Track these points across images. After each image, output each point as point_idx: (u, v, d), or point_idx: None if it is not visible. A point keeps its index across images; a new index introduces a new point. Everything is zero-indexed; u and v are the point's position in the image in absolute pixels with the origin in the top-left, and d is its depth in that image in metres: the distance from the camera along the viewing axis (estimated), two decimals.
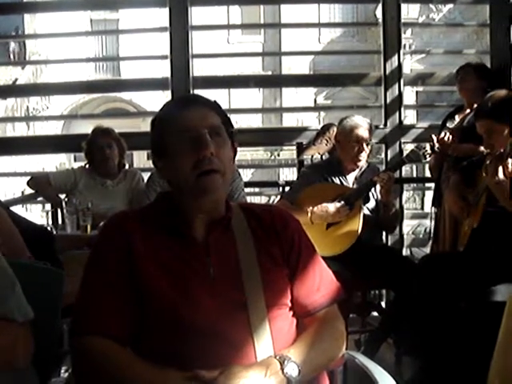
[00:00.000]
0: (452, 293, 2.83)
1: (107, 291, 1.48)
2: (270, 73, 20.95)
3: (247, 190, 4.99)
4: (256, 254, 1.56)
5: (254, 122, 20.80)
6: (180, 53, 4.53)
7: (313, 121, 19.16)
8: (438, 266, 2.99)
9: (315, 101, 21.72)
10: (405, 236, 4.86)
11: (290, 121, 19.50)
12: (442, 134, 3.59)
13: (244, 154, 17.26)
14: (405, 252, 5.08)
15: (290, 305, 1.58)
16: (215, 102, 1.60)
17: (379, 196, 3.43)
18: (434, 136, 3.44)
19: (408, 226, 7.61)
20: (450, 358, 2.81)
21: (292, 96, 20.33)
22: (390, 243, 4.39)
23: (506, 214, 2.71)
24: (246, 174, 18.30)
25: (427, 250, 4.39)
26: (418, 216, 6.47)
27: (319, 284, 1.62)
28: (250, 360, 1.45)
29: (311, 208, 3.33)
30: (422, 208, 13.23)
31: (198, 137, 1.49)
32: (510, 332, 2.34)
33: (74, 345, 1.48)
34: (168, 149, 1.52)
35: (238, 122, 20.48)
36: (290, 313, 1.58)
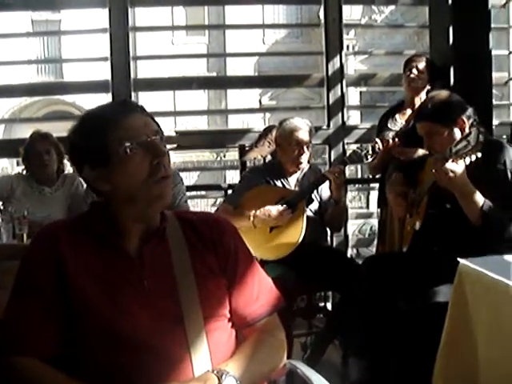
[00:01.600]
0: (395, 293, 2.83)
1: (36, 308, 1.41)
2: (214, 74, 20.89)
3: (191, 193, 4.94)
4: (192, 265, 1.51)
5: (200, 123, 20.71)
6: (120, 54, 4.42)
7: (258, 122, 19.16)
8: (382, 267, 2.99)
9: (260, 102, 21.74)
10: (350, 236, 4.86)
11: (235, 122, 19.43)
12: (387, 138, 3.58)
13: (189, 155, 17.18)
14: (351, 252, 5.10)
15: (228, 316, 1.54)
16: (143, 107, 1.54)
17: (331, 192, 3.41)
18: (378, 140, 3.43)
19: (354, 225, 7.67)
20: (395, 359, 2.81)
21: (237, 97, 20.28)
22: (334, 244, 4.38)
23: (448, 215, 2.73)
24: (192, 177, 18.22)
25: (374, 249, 4.39)
26: (363, 216, 6.51)
27: (258, 293, 1.58)
28: (187, 375, 1.40)
29: (253, 212, 3.29)
30: (368, 207, 13.41)
31: (152, 143, 1.45)
32: (452, 332, 2.35)
33: (2, 364, 1.40)
34: (112, 157, 1.43)
35: (184, 124, 20.38)
36: (228, 324, 1.54)
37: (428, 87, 3.75)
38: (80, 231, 1.50)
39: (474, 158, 2.46)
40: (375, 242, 4.21)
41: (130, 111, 1.49)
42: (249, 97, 20.14)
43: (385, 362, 2.87)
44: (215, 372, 1.39)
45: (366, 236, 8.45)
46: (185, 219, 1.59)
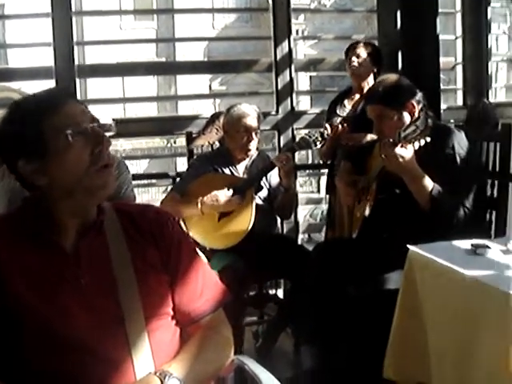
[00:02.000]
0: (345, 280, 2.82)
1: None
2: (163, 59, 20.63)
3: (141, 182, 4.85)
4: (131, 260, 1.43)
5: (150, 110, 20.44)
6: (63, 40, 4.27)
7: (208, 108, 19.01)
8: (332, 253, 2.97)
9: (210, 87, 21.57)
10: (300, 222, 4.84)
11: (185, 108, 19.24)
12: (336, 123, 3.55)
13: (139, 142, 16.94)
14: (303, 238, 5.07)
15: (171, 313, 1.47)
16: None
17: (281, 179, 3.35)
18: (327, 125, 3.40)
19: (304, 209, 7.64)
20: (345, 346, 2.80)
21: (187, 83, 20.06)
22: (285, 230, 4.35)
23: (398, 200, 2.71)
24: (142, 164, 18.02)
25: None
26: (314, 201, 6.49)
27: (202, 288, 1.52)
28: (128, 378, 1.34)
29: (201, 198, 3.23)
30: (319, 191, 13.40)
31: (93, 131, 1.37)
32: (402, 319, 2.34)
33: None
34: (50, 147, 1.33)
35: (133, 110, 20.08)
36: (171, 322, 1.47)
37: (374, 71, 3.73)
38: (14, 227, 1.40)
39: (422, 142, 2.46)
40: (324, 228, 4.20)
41: (66, 98, 1.41)
42: (199, 82, 19.95)
43: (336, 349, 2.86)
44: (158, 374, 1.33)
45: (318, 221, 8.46)
46: (123, 212, 1.51)
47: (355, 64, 3.73)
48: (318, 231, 5.52)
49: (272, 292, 3.83)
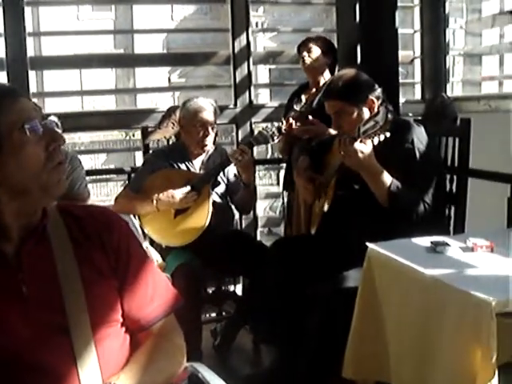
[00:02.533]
0: (304, 277, 2.77)
1: None
2: (122, 51, 20.36)
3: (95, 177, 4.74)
4: (78, 266, 1.34)
5: (108, 103, 20.17)
6: (15, 31, 4.11)
7: (167, 100, 18.85)
8: (290, 250, 2.93)
9: (169, 79, 21.41)
10: (260, 216, 4.78)
11: (144, 101, 19.05)
12: (290, 118, 3.50)
13: (97, 135, 16.67)
14: (262, 231, 5.01)
15: (120, 320, 1.39)
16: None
17: (239, 174, 3.29)
18: (283, 119, 3.34)
19: (264, 202, 7.57)
20: (304, 345, 2.76)
21: (146, 75, 19.84)
22: (244, 225, 4.30)
23: (357, 196, 2.67)
24: (100, 157, 17.79)
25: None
26: (273, 195, 6.42)
27: (153, 294, 1.44)
28: None
29: (156, 195, 3.14)
30: (278, 183, 13.33)
31: (47, 127, 1.30)
32: (362, 318, 2.31)
33: None
34: (4, 145, 1.25)
35: (91, 103, 19.78)
36: (121, 329, 1.39)
37: (328, 64, 3.69)
38: None
39: (382, 137, 2.41)
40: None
41: (17, 95, 1.32)
42: (158, 74, 19.76)
43: (294, 348, 2.81)
44: None
45: (277, 214, 8.42)
46: (69, 213, 1.42)
47: (307, 60, 3.69)
48: (277, 225, 5.46)
49: (231, 289, 3.77)
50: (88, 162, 17.83)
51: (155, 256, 2.62)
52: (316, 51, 3.68)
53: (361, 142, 2.45)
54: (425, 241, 2.24)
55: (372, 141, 2.44)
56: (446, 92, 4.91)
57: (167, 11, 21.35)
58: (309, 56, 3.68)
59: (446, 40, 4.91)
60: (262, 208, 11.46)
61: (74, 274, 1.33)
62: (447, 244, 2.15)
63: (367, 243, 2.24)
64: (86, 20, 20.93)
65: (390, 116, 2.57)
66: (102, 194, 15.41)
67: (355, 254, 2.45)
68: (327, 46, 3.73)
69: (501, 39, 5.17)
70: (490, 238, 2.21)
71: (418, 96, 5.02)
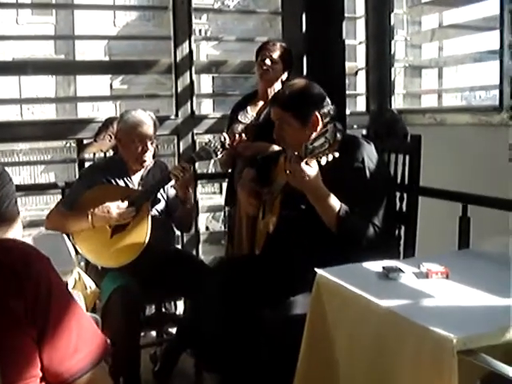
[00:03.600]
0: (248, 301, 2.61)
1: None
2: (62, 56, 19.93)
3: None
4: None
5: (48, 109, 19.70)
6: None
7: (109, 108, 18.54)
8: (234, 271, 2.77)
9: (111, 86, 21.07)
10: (201, 230, 4.62)
11: (85, 108, 18.66)
12: (237, 131, 3.34)
13: (37, 143, 16.17)
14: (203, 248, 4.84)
15: (40, 375, 1.20)
16: None
17: (177, 192, 3.12)
18: (225, 134, 3.16)
19: (207, 212, 7.34)
20: (251, 373, 2.60)
21: (87, 81, 19.50)
22: (185, 240, 4.13)
23: (304, 216, 2.51)
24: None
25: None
26: (215, 208, 6.23)
27: (77, 343, 1.25)
28: None
29: (92, 210, 2.94)
30: (221, 192, 13.08)
31: None
32: (310, 347, 2.16)
33: None
34: None
35: (30, 110, 19.25)
36: None
37: (283, 77, 3.51)
38: None
39: (330, 157, 2.24)
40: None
41: None
42: (99, 81, 19.45)
43: (239, 376, 2.66)
44: None
45: (220, 222, 8.22)
46: None
47: (268, 65, 3.47)
48: (219, 241, 5.30)
49: (171, 310, 3.58)
50: (27, 169, 17.36)
51: (88, 283, 2.42)
52: (277, 58, 3.47)
53: (307, 162, 2.29)
54: (376, 266, 2.12)
55: (319, 160, 2.27)
56: (390, 104, 4.87)
57: (109, 16, 21.02)
58: (270, 59, 3.46)
59: (392, 51, 4.88)
60: (205, 218, 11.25)
61: None
62: (400, 270, 2.03)
63: (316, 269, 2.09)
64: (26, 24, 20.37)
65: (338, 135, 2.37)
66: (42, 203, 14.93)
67: (302, 278, 2.31)
68: (287, 56, 3.52)
69: (440, 52, 5.20)
70: (443, 262, 2.09)
71: (362, 107, 4.96)
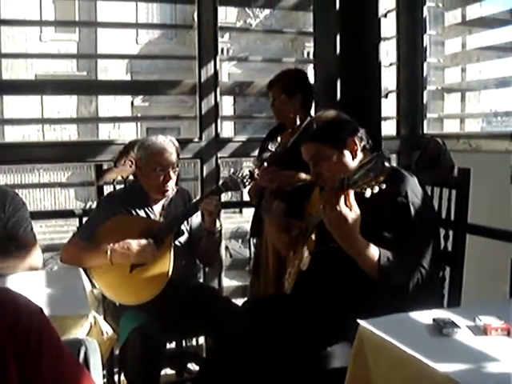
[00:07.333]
0: (279, 346, 2.39)
1: None
2: (85, 73, 20.03)
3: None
4: None
5: (70, 127, 19.76)
6: None
7: (131, 126, 18.52)
8: (263, 312, 2.54)
9: (132, 103, 21.09)
10: (223, 258, 4.40)
11: (106, 126, 18.66)
12: (264, 163, 3.13)
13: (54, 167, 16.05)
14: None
15: None
16: None
17: (205, 223, 2.93)
18: (254, 165, 2.96)
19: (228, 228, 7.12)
20: None
21: (108, 98, 19.54)
22: (207, 269, 3.91)
23: (341, 256, 2.24)
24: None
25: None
26: (238, 235, 6.04)
27: None
28: None
29: (111, 245, 2.74)
30: (241, 212, 12.80)
31: None
32: None
33: None
34: None
35: (52, 127, 19.27)
36: None
37: (299, 99, 3.31)
38: None
39: (376, 189, 1.98)
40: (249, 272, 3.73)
41: None
42: (120, 98, 19.47)
43: None
44: None
45: (239, 242, 7.97)
46: None
47: (276, 108, 3.35)
48: (242, 267, 5.08)
49: (192, 349, 3.37)
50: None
51: (105, 328, 2.21)
52: (279, 95, 3.31)
53: (346, 200, 2.04)
54: (425, 317, 1.88)
55: (363, 192, 2.00)
56: (422, 128, 4.65)
57: (132, 34, 21.06)
58: (273, 101, 3.34)
59: (424, 74, 4.67)
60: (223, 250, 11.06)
61: None
62: (454, 324, 1.79)
63: (358, 320, 1.86)
64: (49, 41, 20.50)
65: (387, 164, 2.11)
66: (48, 239, 14.43)
67: (340, 324, 2.09)
68: (291, 86, 3.32)
69: (462, 74, 5.00)
70: (498, 313, 1.85)
71: (388, 131, 4.74)
